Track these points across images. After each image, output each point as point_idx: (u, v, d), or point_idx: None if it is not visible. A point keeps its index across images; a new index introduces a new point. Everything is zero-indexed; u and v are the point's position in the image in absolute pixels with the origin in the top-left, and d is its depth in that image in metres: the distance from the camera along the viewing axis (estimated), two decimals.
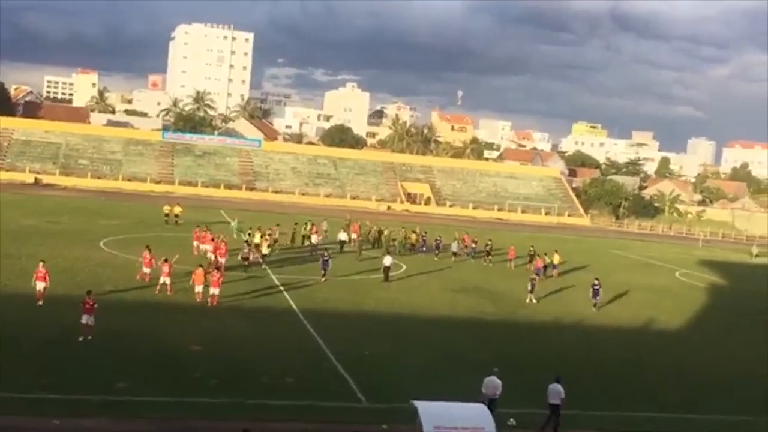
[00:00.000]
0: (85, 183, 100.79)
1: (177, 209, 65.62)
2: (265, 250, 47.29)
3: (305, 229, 56.91)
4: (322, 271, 43.23)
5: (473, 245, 60.09)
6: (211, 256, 43.89)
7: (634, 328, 40.04)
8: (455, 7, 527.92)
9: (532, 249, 56.73)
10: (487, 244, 58.45)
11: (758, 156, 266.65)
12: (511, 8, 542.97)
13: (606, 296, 44.06)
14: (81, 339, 27.43)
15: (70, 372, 24.45)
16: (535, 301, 42.81)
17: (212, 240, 45.90)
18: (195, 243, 48.77)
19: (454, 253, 56.97)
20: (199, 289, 35.11)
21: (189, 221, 62.58)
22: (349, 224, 62.51)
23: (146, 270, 38.63)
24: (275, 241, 50.90)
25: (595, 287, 42.39)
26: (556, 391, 23.34)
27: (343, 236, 56.53)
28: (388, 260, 46.10)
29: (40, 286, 32.43)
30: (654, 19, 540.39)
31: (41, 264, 33.20)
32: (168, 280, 36.34)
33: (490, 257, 57.51)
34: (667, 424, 25.71)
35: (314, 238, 54.19)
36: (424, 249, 59.38)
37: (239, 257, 44.60)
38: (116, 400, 22.57)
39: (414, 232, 60.97)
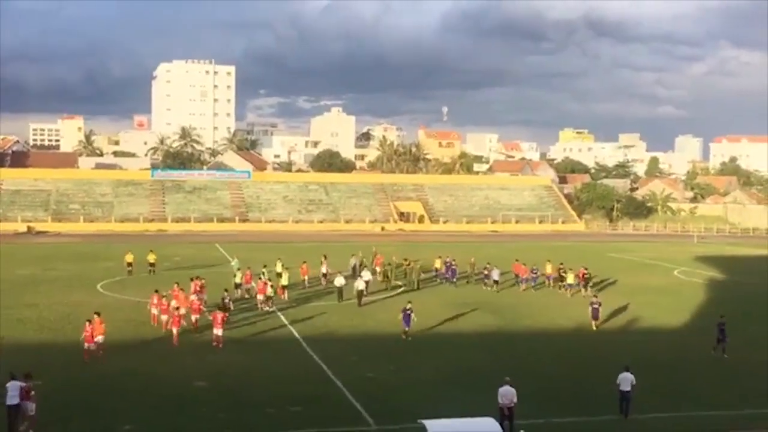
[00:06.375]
0: (78, 228, 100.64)
1: (152, 257, 56.79)
2: (269, 291, 42.82)
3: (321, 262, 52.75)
4: (406, 327, 36.27)
5: (533, 275, 52.23)
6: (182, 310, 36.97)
7: (637, 330, 40.02)
8: (427, 24, 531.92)
9: (561, 266, 52.48)
10: (560, 269, 52.02)
11: (745, 149, 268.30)
12: (484, 22, 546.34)
13: (605, 298, 43.96)
14: (22, 429, 22.79)
15: (74, 417, 24.28)
16: (595, 328, 38.91)
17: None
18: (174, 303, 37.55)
19: (496, 282, 51.19)
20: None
21: (186, 261, 62.14)
22: (374, 257, 56.55)
23: (155, 311, 37.29)
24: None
25: (722, 327, 34.42)
26: (628, 378, 25.37)
27: (367, 275, 48.52)
28: (361, 284, 45.31)
29: None
30: (627, 23, 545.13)
31: None
32: (166, 318, 36.10)
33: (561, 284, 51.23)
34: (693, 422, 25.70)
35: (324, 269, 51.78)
36: (455, 279, 53.09)
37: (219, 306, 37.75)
38: None
39: (439, 257, 55.96)
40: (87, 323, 31.44)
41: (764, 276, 60.92)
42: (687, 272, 63.89)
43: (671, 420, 25.65)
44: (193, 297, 38.92)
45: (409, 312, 36.30)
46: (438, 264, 55.43)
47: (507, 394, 23.50)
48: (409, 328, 36.18)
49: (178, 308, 36.01)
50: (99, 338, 31.40)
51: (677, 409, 26.51)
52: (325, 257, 53.93)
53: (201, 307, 37.59)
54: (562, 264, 53.07)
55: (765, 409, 26.56)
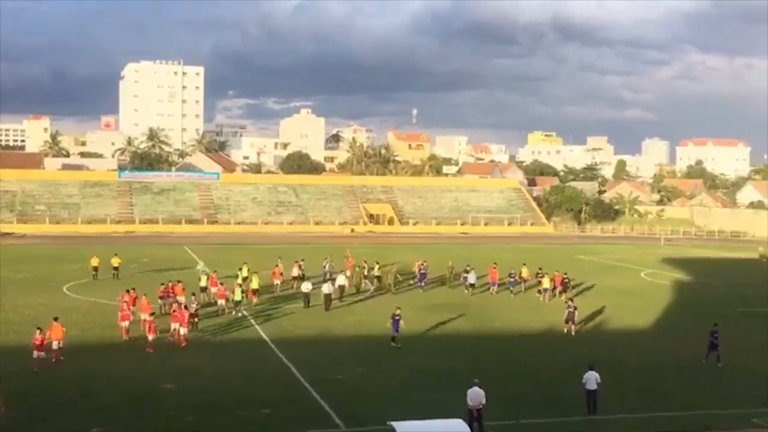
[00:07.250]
0: (44, 229, 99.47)
1: (116, 261, 55.19)
2: (238, 296, 42.29)
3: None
4: (395, 333, 35.32)
5: (511, 279, 51.77)
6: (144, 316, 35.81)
7: (605, 332, 40.37)
8: (398, 26, 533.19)
9: (540, 270, 51.96)
10: (538, 273, 51.63)
11: (711, 152, 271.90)
12: (453, 24, 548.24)
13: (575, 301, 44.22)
14: None
15: (40, 420, 24.01)
16: (573, 332, 38.78)
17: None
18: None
19: (471, 285, 50.73)
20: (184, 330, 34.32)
21: (154, 263, 61.60)
22: (346, 261, 55.13)
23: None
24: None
25: (715, 334, 33.18)
26: (593, 377, 25.78)
27: (341, 280, 48.16)
28: (327, 288, 44.83)
29: None
30: (595, 27, 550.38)
31: None
32: (126, 324, 35.55)
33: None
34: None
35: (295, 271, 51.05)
36: (422, 284, 52.16)
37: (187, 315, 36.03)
38: None
39: (423, 262, 54.27)
40: (38, 331, 30.34)
41: (729, 278, 61.86)
42: (654, 274, 64.53)
43: (640, 420, 25.86)
44: (167, 302, 38.71)
45: (397, 318, 35.53)
46: (416, 268, 54.54)
47: (476, 395, 23.57)
48: (398, 334, 35.41)
49: (153, 314, 35.45)
50: (54, 344, 30.54)
51: (647, 410, 26.73)
52: (299, 262, 52.90)
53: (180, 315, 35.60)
54: (540, 268, 52.78)
55: (735, 409, 26.86)
